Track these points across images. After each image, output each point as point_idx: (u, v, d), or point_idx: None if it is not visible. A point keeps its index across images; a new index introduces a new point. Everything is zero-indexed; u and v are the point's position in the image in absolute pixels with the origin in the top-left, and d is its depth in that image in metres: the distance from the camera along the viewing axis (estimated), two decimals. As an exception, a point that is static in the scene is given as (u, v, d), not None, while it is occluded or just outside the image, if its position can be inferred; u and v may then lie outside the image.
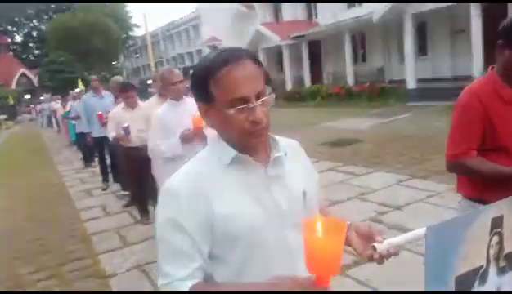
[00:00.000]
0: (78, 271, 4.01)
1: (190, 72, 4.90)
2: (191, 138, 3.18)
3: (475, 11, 12.01)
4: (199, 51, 42.54)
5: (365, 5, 18.05)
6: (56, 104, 16.90)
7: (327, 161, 7.15)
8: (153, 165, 4.09)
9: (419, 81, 14.60)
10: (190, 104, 3.29)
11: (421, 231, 1.15)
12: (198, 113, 2.86)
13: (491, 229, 1.28)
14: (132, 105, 4.89)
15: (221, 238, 1.05)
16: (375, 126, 10.34)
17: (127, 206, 5.83)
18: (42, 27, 47.20)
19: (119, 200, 6.29)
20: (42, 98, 24.58)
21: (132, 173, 5.00)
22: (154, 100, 4.36)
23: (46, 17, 48.07)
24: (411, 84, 14.43)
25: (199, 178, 1.07)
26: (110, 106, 6.06)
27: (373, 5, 16.70)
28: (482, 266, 1.27)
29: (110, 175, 7.19)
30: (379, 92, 15.05)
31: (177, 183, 1.08)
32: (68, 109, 11.64)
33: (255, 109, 1.03)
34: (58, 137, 17.11)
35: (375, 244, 1.07)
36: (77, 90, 16.84)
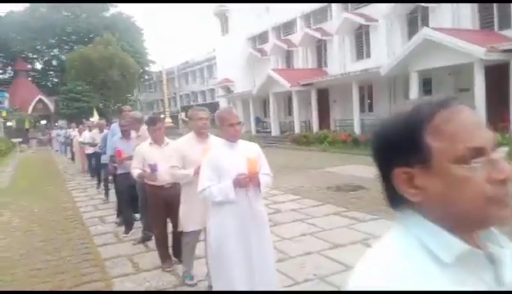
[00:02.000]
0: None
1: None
2: (245, 183, 3.03)
3: (479, 71, 12.60)
4: (211, 90, 43.78)
5: (373, 58, 18.88)
6: (73, 132, 17.26)
7: (332, 205, 7.40)
8: (182, 207, 3.99)
9: (424, 134, 15.02)
10: (244, 147, 3.22)
11: None
12: (253, 155, 2.85)
13: None
14: (159, 139, 4.69)
15: None
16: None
17: (142, 241, 5.70)
18: (63, 57, 48.86)
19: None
20: (56, 124, 25.25)
21: (157, 213, 4.64)
22: (189, 136, 4.01)
23: (66, 47, 49.87)
24: (416, 136, 14.85)
25: (405, 279, 0.70)
26: (133, 140, 5.98)
27: (381, 58, 17.50)
28: None
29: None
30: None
31: (377, 283, 0.71)
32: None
33: (500, 163, 0.71)
34: (71, 164, 17.51)
35: None
36: (92, 119, 17.44)
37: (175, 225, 4.50)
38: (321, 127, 20.69)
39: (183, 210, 3.95)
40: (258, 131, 26.38)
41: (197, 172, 3.60)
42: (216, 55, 35.52)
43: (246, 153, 3.14)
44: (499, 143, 0.75)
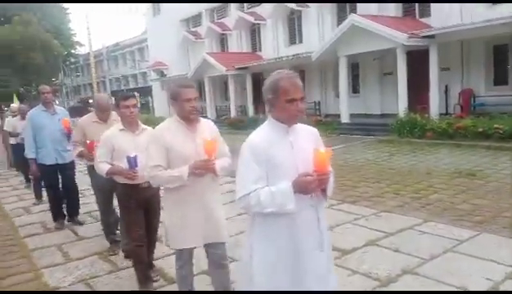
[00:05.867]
0: (21, 285, 3.99)
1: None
2: (313, 188, 1.97)
3: (401, 55, 13.42)
4: (144, 74, 42.35)
5: (305, 43, 19.34)
6: None
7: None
8: (166, 216, 2.99)
9: (352, 116, 15.82)
10: (304, 133, 2.20)
11: None
12: (321, 147, 2.08)
13: None
14: (133, 123, 3.62)
15: None
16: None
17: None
18: (-22, 38, 44.37)
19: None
20: (-29, 112, 23.02)
21: (133, 221, 3.60)
22: (172, 122, 2.96)
23: (-19, 28, 45.37)
24: (345, 118, 15.60)
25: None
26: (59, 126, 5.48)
27: (312, 44, 17.99)
28: None
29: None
30: (316, 124, 15.97)
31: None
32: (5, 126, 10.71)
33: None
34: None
35: None
36: (13, 105, 16.15)
37: (151, 232, 3.77)
38: (256, 111, 20.92)
39: (169, 219, 2.95)
40: (193, 116, 26.08)
41: (193, 173, 2.76)
42: (148, 37, 34.32)
43: (309, 142, 2.12)
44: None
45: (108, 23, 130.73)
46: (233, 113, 21.80)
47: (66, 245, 5.04)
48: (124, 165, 3.45)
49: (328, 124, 15.85)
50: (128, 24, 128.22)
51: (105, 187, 4.34)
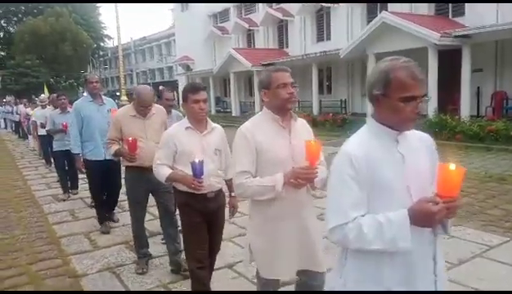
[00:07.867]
0: (49, 270, 4.08)
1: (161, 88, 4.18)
2: (435, 220, 1.42)
3: (432, 55, 13.10)
4: (170, 68, 42.81)
5: (333, 40, 19.13)
6: (25, 108, 16.13)
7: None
8: (255, 239, 2.42)
9: (379, 115, 15.55)
10: (416, 142, 1.64)
11: None
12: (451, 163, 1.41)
13: None
14: (203, 121, 3.00)
15: None
16: (334, 154, 10.94)
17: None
18: (11, 28, 45.93)
19: (87, 206, 6.36)
20: (4, 100, 23.80)
21: (196, 237, 3.01)
22: (264, 117, 2.37)
23: (15, 19, 46.87)
24: (372, 117, 15.36)
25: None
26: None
27: (340, 41, 17.77)
28: None
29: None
30: (342, 123, 15.87)
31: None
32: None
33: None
34: (20, 141, 16.74)
35: None
36: (42, 95, 16.61)
37: (213, 252, 3.19)
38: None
39: (258, 243, 2.40)
40: (218, 111, 26.23)
41: (290, 183, 2.18)
42: (175, 31, 34.67)
43: (422, 155, 1.62)
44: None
45: (136, 17, 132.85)
46: (257, 109, 21.80)
47: (93, 233, 5.14)
48: (188, 170, 2.85)
49: (354, 123, 15.64)
50: (155, 18, 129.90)
51: (142, 198, 3.97)
